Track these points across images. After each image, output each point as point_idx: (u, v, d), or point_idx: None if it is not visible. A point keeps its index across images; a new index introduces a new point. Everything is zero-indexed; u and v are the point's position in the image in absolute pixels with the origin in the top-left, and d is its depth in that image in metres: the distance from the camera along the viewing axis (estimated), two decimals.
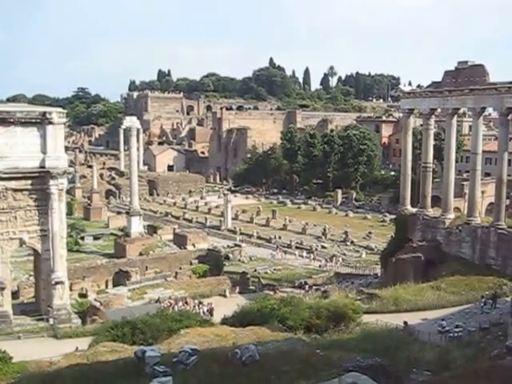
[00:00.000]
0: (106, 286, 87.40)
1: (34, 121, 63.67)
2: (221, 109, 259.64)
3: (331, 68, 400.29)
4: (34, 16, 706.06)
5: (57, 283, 65.63)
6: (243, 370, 28.80)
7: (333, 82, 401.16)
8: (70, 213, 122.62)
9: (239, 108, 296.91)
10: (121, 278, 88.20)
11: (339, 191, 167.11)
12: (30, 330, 62.60)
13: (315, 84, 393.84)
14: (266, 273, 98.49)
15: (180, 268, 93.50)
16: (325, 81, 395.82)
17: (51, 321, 64.45)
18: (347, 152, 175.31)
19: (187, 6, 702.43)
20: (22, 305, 72.03)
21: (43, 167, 63.57)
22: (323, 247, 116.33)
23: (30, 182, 63.70)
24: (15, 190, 63.04)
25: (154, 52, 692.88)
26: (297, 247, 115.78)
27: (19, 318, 65.46)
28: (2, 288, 63.60)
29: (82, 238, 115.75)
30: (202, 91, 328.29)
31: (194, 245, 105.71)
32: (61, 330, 62.22)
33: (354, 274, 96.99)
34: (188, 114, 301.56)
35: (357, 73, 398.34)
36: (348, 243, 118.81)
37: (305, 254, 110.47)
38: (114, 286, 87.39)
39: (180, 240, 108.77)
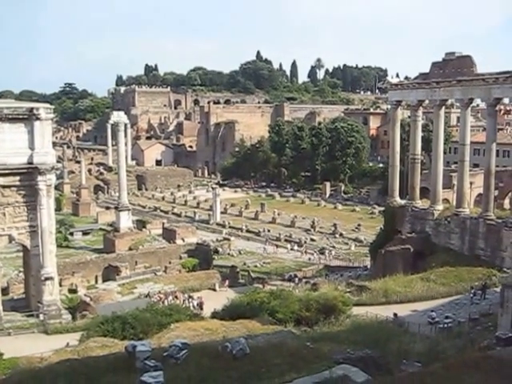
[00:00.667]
0: (96, 282, 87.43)
1: (21, 117, 63.46)
2: (208, 103, 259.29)
3: (318, 60, 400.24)
4: (21, 11, 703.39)
5: (46, 279, 65.56)
6: (234, 364, 28.77)
7: (320, 74, 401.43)
8: (58, 208, 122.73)
9: (227, 102, 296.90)
10: (110, 273, 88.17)
11: (327, 184, 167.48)
12: (21, 326, 62.49)
13: (302, 77, 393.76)
14: (256, 266, 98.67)
15: (169, 262, 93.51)
16: (312, 73, 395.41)
17: (41, 317, 64.41)
18: (335, 144, 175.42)
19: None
20: (11, 301, 71.95)
21: (31, 163, 63.39)
22: (312, 240, 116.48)
23: (18, 178, 63.54)
24: (3, 187, 62.92)
25: (140, 47, 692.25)
26: (286, 240, 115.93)
27: (9, 314, 65.42)
28: None
29: (71, 234, 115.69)
30: (189, 85, 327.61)
31: (183, 239, 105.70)
32: (51, 325, 62.24)
33: (343, 266, 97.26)
34: (175, 108, 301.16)
35: (344, 65, 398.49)
36: (337, 236, 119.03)
37: (296, 247, 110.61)
38: (104, 281, 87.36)
39: (169, 234, 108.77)
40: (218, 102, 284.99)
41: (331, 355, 29.68)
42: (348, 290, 65.47)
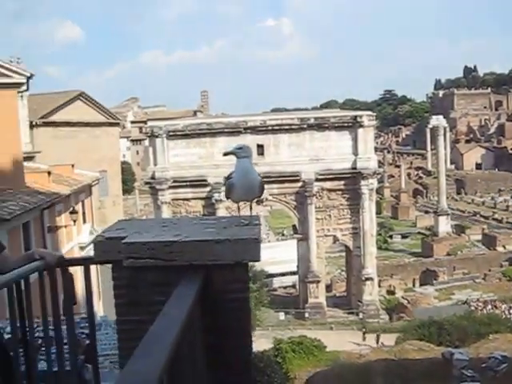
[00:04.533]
0: (413, 285, 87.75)
1: (345, 125, 66.89)
2: None
3: None
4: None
5: (366, 279, 68.09)
6: None
7: None
8: (378, 212, 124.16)
9: None
10: (428, 277, 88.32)
11: None
12: (341, 322, 66.15)
13: None
14: None
15: (489, 270, 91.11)
16: None
17: (361, 315, 67.16)
18: None
19: None
20: (334, 298, 75.68)
21: (354, 168, 66.35)
22: None
23: (342, 182, 67.04)
24: (329, 190, 66.92)
25: (458, 49, 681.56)
26: None
27: (332, 310, 69.44)
28: (317, 281, 67.94)
29: (391, 237, 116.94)
30: (511, 85, 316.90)
31: (504, 246, 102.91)
32: (369, 324, 64.34)
33: None
34: (496, 109, 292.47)
35: None
36: None
37: None
38: (421, 285, 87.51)
39: (489, 241, 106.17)
40: None
41: None
42: None
